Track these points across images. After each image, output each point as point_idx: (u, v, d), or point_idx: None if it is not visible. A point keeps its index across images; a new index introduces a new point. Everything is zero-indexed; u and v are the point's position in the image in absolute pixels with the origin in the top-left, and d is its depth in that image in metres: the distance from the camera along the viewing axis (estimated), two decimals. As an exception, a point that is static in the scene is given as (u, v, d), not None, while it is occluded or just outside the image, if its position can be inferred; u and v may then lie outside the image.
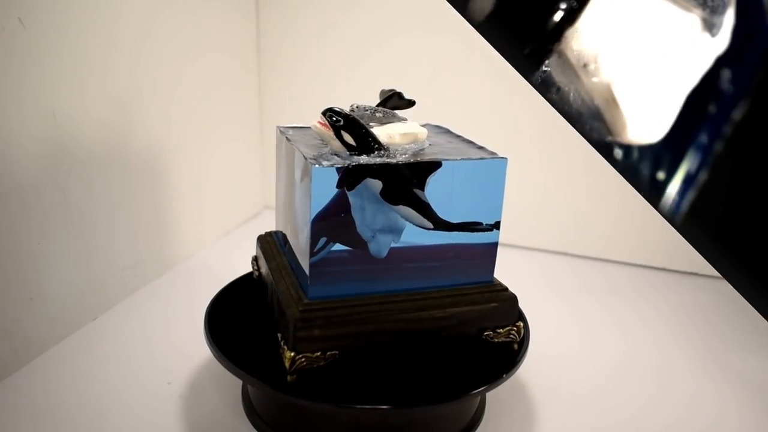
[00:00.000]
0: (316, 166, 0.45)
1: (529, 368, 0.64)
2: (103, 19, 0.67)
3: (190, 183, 0.87)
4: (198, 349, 0.64)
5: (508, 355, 0.53)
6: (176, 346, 0.66)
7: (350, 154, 0.48)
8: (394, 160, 0.48)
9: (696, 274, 0.93)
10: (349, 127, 0.48)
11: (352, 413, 0.48)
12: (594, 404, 0.60)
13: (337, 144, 0.49)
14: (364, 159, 0.47)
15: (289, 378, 0.47)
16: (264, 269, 0.58)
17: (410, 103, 0.55)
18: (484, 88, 0.94)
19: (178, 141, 0.83)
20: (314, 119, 0.60)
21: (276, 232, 0.61)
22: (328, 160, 0.47)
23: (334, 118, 0.48)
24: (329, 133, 0.49)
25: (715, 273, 0.92)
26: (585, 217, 0.96)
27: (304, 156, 0.48)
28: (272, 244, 0.60)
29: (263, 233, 0.63)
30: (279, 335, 0.50)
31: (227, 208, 1.00)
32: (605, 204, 0.94)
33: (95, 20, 0.66)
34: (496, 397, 0.60)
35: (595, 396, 0.62)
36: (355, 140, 0.48)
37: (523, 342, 0.55)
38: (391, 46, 0.96)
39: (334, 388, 0.47)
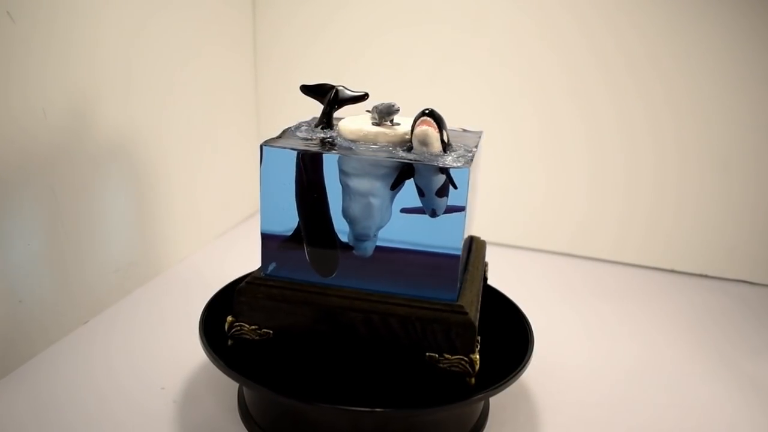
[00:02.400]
0: (468, 167, 0.47)
1: (534, 373, 0.64)
2: (95, 14, 0.67)
3: (185, 183, 0.87)
4: (192, 354, 0.64)
5: (512, 359, 0.53)
6: (170, 350, 0.66)
7: (445, 153, 0.49)
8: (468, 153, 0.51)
9: (706, 276, 0.93)
10: (445, 127, 0.50)
11: (351, 416, 0.48)
12: (601, 410, 0.60)
13: (438, 145, 0.49)
14: (454, 155, 0.50)
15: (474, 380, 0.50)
16: (304, 315, 0.51)
17: (365, 97, 0.55)
18: (488, 85, 0.94)
19: (172, 139, 0.83)
20: (309, 117, 0.60)
21: (265, 271, 0.53)
22: (456, 161, 0.48)
23: (439, 119, 0.49)
24: (437, 134, 0.48)
25: (725, 275, 0.92)
26: (592, 217, 0.96)
27: (426, 161, 0.47)
28: (289, 287, 0.51)
29: (243, 286, 0.52)
30: (445, 354, 0.49)
31: (222, 208, 1.00)
32: (613, 204, 0.94)
33: (87, 15, 0.66)
34: (499, 402, 0.60)
35: (602, 402, 0.62)
36: (448, 139, 0.50)
37: (528, 346, 0.55)
38: (390, 42, 0.96)
39: (333, 392, 0.47)
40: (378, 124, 0.52)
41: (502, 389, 0.50)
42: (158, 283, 0.81)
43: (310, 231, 0.51)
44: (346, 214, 0.50)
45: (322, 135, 0.54)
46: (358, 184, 0.49)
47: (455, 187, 0.47)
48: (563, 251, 0.99)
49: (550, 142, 0.94)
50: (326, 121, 0.55)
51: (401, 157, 0.48)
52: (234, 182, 1.02)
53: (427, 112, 0.48)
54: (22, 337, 0.62)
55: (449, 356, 0.49)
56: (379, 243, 0.50)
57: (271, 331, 0.52)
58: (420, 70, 0.96)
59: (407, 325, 0.49)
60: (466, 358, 0.49)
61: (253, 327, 0.52)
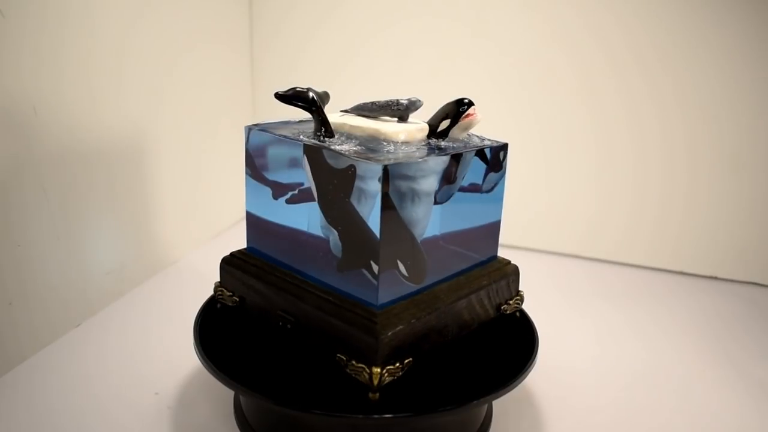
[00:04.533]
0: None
1: (538, 378, 0.64)
2: (88, 9, 0.67)
3: (179, 182, 0.87)
4: (187, 358, 0.64)
5: (516, 362, 0.53)
6: (164, 354, 0.66)
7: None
8: None
9: (715, 278, 0.93)
10: None
11: (351, 423, 0.48)
12: (607, 416, 0.60)
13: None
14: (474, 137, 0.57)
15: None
16: (436, 326, 0.50)
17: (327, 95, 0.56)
18: (492, 82, 0.94)
19: (166, 138, 0.83)
20: (301, 116, 0.60)
21: (381, 303, 0.48)
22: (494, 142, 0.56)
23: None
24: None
25: (736, 277, 0.92)
26: (599, 218, 0.96)
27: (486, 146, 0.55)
28: (417, 305, 0.49)
29: (390, 335, 0.46)
30: (508, 302, 0.58)
31: (218, 208, 1.00)
32: (620, 204, 0.94)
33: (79, 10, 0.66)
34: (503, 408, 0.60)
35: (609, 407, 0.62)
36: None
37: (533, 349, 0.55)
38: (390, 36, 0.96)
39: (332, 398, 0.48)
40: (401, 121, 0.54)
41: (505, 393, 0.50)
42: (152, 285, 0.81)
43: (399, 244, 0.48)
44: (408, 219, 0.48)
45: (349, 142, 0.51)
46: (425, 185, 0.49)
47: (488, 164, 0.54)
48: (570, 252, 0.99)
49: (556, 141, 0.94)
50: (327, 127, 0.52)
51: (474, 146, 0.53)
52: (230, 182, 1.02)
53: (468, 101, 0.52)
54: (12, 340, 0.62)
55: (510, 302, 0.58)
56: (444, 230, 0.52)
57: (412, 358, 0.49)
58: (421, 66, 0.96)
59: (491, 293, 0.56)
60: (518, 297, 0.59)
61: (397, 365, 0.48)
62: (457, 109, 0.52)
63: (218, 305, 0.59)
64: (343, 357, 0.48)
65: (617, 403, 0.62)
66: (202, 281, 0.73)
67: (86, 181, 0.70)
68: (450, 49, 0.94)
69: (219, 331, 0.56)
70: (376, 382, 0.46)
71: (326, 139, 0.51)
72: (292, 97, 0.52)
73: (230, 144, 1.01)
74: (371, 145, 0.50)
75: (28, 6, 0.60)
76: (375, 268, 0.47)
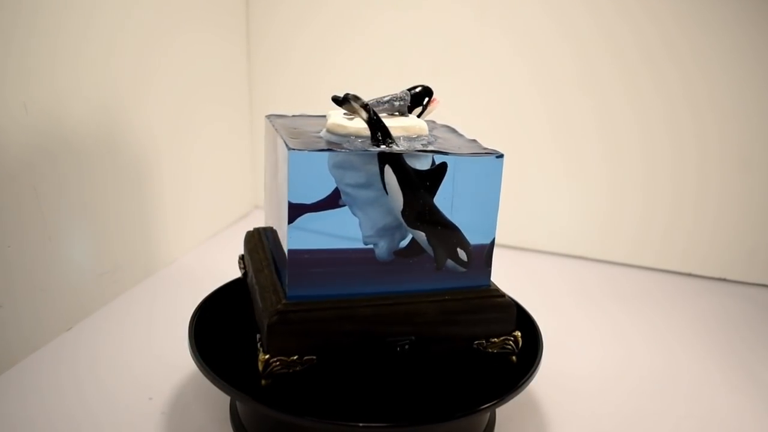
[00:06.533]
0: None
1: (544, 382, 0.64)
2: (81, 4, 0.67)
3: (174, 180, 0.87)
4: (182, 362, 0.64)
5: (520, 367, 0.53)
6: (158, 357, 0.66)
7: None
8: None
9: (725, 280, 0.93)
10: None
11: (350, 431, 0.48)
12: (614, 422, 0.60)
13: None
14: None
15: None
16: None
17: None
18: (497, 79, 0.94)
19: (161, 135, 0.83)
20: (302, 110, 0.60)
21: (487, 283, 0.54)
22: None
23: None
24: None
25: (746, 279, 0.92)
26: (607, 219, 0.96)
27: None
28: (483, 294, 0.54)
29: (508, 300, 0.53)
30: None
31: (214, 208, 1.00)
32: (628, 205, 0.94)
33: (72, 5, 0.66)
34: (507, 413, 0.60)
35: (616, 413, 0.62)
36: None
37: (537, 354, 0.55)
38: (389, 29, 0.96)
39: (331, 405, 0.47)
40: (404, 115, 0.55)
41: (508, 400, 0.50)
42: (146, 287, 0.81)
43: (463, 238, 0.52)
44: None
45: (413, 142, 0.51)
46: None
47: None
48: (577, 254, 0.99)
49: (563, 141, 0.94)
50: (387, 132, 0.50)
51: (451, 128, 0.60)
52: (226, 180, 1.02)
53: (427, 87, 0.55)
54: (1, 343, 0.62)
55: None
56: None
57: None
58: (422, 62, 0.96)
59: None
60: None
61: (501, 338, 0.54)
62: (427, 97, 0.56)
63: (263, 382, 0.48)
64: (482, 342, 0.53)
65: (624, 409, 0.62)
66: (198, 283, 0.73)
67: (79, 180, 0.70)
68: (453, 42, 0.94)
69: (215, 334, 0.56)
70: (521, 343, 0.54)
71: (386, 142, 0.49)
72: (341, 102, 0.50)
73: (226, 143, 1.01)
74: (417, 141, 0.51)
75: (18, 1, 0.60)
76: (462, 254, 0.52)
